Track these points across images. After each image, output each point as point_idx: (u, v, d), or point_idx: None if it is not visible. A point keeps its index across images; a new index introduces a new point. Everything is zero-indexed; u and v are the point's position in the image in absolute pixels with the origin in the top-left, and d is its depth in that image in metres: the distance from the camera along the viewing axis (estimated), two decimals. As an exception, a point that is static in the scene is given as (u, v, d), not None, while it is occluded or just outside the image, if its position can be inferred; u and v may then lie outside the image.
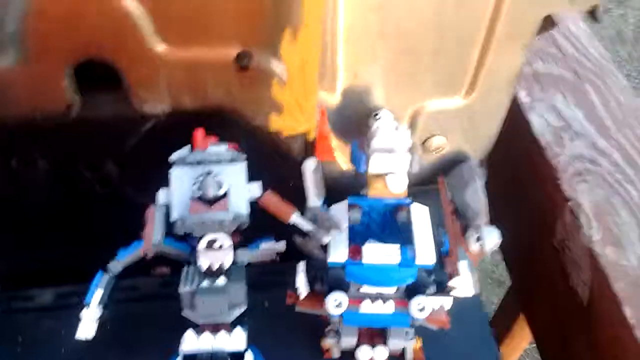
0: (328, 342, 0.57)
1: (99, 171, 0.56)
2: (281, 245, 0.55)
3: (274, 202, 0.48)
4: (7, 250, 0.65)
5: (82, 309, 0.55)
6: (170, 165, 0.48)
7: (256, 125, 0.51)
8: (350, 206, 0.52)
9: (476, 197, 0.53)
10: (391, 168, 0.46)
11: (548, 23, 0.48)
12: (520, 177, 0.71)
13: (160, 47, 0.42)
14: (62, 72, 0.43)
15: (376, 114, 0.50)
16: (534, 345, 0.75)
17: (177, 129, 0.48)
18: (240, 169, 0.48)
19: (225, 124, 0.50)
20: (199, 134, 0.48)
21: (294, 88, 0.37)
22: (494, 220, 0.79)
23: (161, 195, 0.47)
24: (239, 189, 0.47)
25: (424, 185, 0.58)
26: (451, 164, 0.58)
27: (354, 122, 0.52)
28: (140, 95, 0.46)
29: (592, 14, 0.45)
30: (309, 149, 0.43)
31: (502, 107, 0.54)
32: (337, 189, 0.55)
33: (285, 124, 0.39)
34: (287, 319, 0.56)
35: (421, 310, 0.50)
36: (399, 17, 0.44)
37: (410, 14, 0.43)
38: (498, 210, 0.80)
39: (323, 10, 0.33)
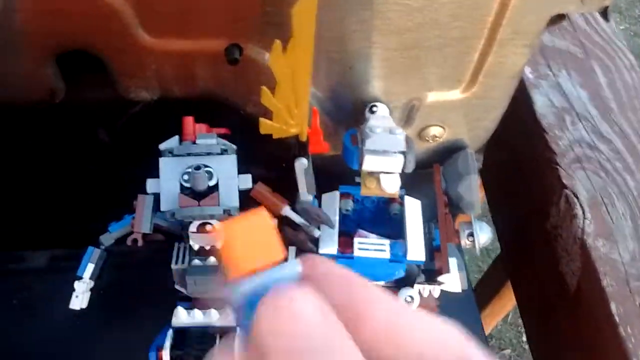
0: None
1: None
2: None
3: (265, 195, 0.48)
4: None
5: (74, 277, 0.55)
6: (159, 152, 0.47)
7: (249, 112, 0.49)
8: (342, 195, 0.52)
9: (470, 189, 0.52)
10: (385, 168, 0.45)
11: (558, 17, 0.45)
12: (519, 156, 0.70)
13: (145, 39, 0.41)
14: (47, 62, 0.42)
15: (372, 107, 0.48)
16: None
17: (168, 115, 0.47)
18: (230, 160, 0.47)
19: (217, 110, 0.49)
20: (188, 123, 0.46)
21: (284, 95, 0.35)
22: (489, 198, 0.79)
23: (150, 184, 0.47)
24: (229, 181, 0.47)
25: (420, 169, 0.57)
26: (448, 151, 0.56)
27: (349, 111, 0.51)
28: (126, 82, 0.44)
29: (603, 14, 0.42)
30: (302, 145, 0.42)
31: (502, 103, 0.52)
32: (330, 173, 0.55)
33: (275, 128, 0.37)
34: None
35: (409, 302, 0.50)
36: (400, 13, 0.41)
37: (412, 10, 0.41)
38: (494, 186, 0.79)
39: (314, 22, 0.31)
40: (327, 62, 0.46)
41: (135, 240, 0.50)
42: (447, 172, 0.55)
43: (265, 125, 0.38)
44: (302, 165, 0.42)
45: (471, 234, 0.51)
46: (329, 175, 0.54)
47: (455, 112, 0.51)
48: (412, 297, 0.50)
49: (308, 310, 0.18)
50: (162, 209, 0.46)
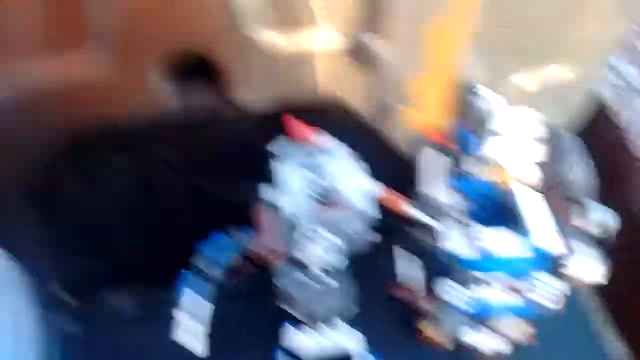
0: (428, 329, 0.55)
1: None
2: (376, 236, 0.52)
3: (393, 198, 0.46)
4: (80, 251, 0.61)
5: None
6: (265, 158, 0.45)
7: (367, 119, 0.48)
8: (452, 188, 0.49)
9: (579, 171, 0.49)
10: (517, 155, 0.42)
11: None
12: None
13: (262, 36, 0.39)
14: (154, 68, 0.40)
15: (473, 89, 0.45)
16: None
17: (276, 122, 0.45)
18: (350, 163, 0.45)
19: (331, 117, 0.47)
20: (297, 125, 0.44)
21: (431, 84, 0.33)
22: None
23: (267, 193, 0.44)
24: (351, 182, 0.45)
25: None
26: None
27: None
28: (240, 86, 0.42)
29: None
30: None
31: (599, 79, 0.50)
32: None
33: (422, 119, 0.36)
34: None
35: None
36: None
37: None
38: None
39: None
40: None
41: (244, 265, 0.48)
42: (549, 158, 0.51)
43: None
44: (427, 153, 0.40)
45: (591, 218, 0.47)
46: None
47: (549, 94, 0.49)
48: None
49: None
50: (289, 219, 0.44)
